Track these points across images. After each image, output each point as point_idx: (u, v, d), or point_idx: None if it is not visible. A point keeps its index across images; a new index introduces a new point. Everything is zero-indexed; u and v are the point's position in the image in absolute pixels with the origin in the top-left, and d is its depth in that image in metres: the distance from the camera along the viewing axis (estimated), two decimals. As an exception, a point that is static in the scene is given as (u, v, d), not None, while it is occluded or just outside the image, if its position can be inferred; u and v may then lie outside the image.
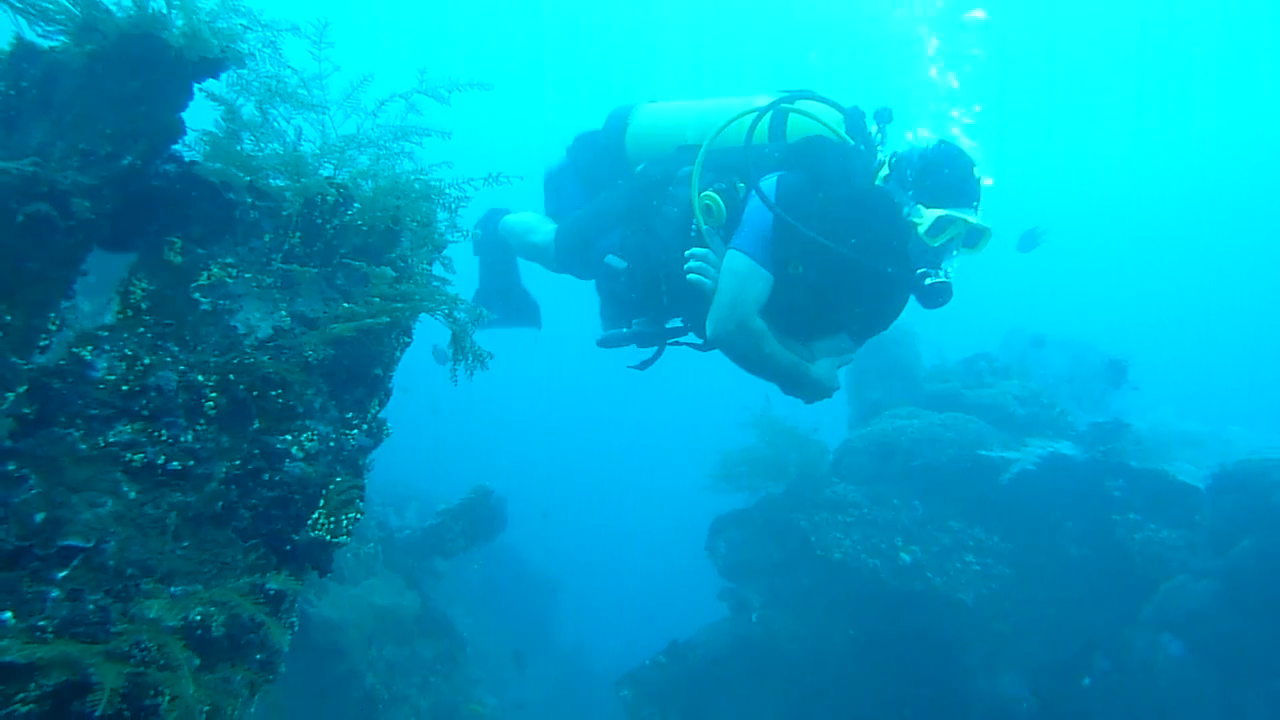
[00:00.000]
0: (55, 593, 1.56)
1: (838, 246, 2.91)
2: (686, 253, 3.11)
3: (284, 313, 1.86)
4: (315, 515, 1.75)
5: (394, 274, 1.84)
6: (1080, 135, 26.27)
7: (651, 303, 3.39)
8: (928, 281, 2.85)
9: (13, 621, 1.51)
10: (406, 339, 2.04)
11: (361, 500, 1.80)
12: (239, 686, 1.63)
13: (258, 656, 1.69)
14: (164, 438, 1.72)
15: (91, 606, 1.56)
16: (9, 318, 1.67)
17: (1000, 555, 5.12)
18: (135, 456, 1.70)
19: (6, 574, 1.55)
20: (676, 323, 3.47)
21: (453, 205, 1.99)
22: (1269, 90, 22.81)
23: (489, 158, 2.39)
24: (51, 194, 1.69)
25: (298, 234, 1.92)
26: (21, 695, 1.44)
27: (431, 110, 2.01)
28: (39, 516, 1.61)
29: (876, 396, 6.71)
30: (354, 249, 1.99)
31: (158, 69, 1.82)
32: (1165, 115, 25.00)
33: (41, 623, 1.52)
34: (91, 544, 1.61)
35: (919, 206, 2.91)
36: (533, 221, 3.93)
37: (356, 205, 1.96)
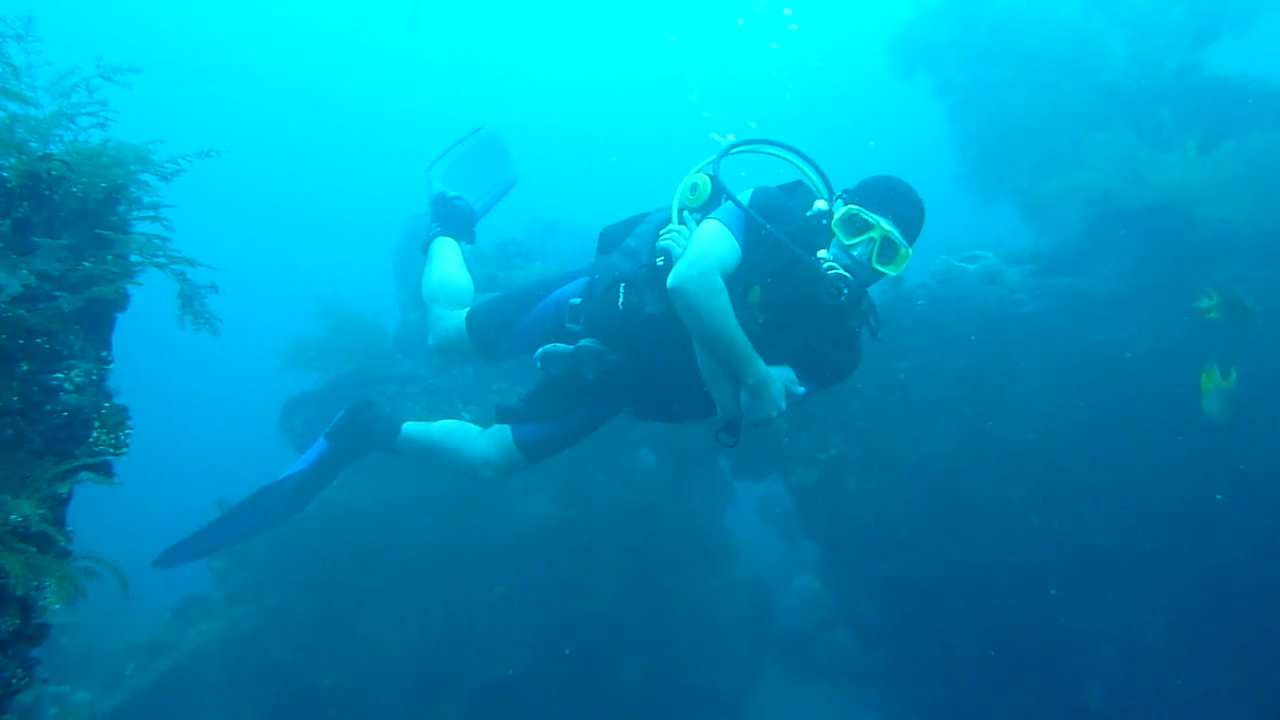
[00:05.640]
0: (-112, 513, 1.90)
1: (782, 236, 2.96)
2: (661, 230, 3.16)
3: (26, 271, 2.23)
4: (95, 435, 2.25)
5: (144, 238, 2.31)
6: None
7: (602, 326, 3.32)
8: (830, 273, 2.92)
9: None
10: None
11: (129, 420, 2.33)
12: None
13: (61, 544, 2.20)
14: (-58, 384, 2.06)
15: (-77, 521, 1.94)
16: None
17: (536, 407, 6.61)
18: (-80, 401, 2.03)
19: None
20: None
21: (169, 175, 2.46)
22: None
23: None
24: None
25: (25, 203, 2.26)
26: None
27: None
28: None
29: (426, 281, 7.65)
30: (73, 213, 2.37)
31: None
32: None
33: (-110, 537, 1.87)
34: (-91, 473, 1.95)
35: (839, 201, 3.06)
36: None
37: (77, 175, 2.34)
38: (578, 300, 3.48)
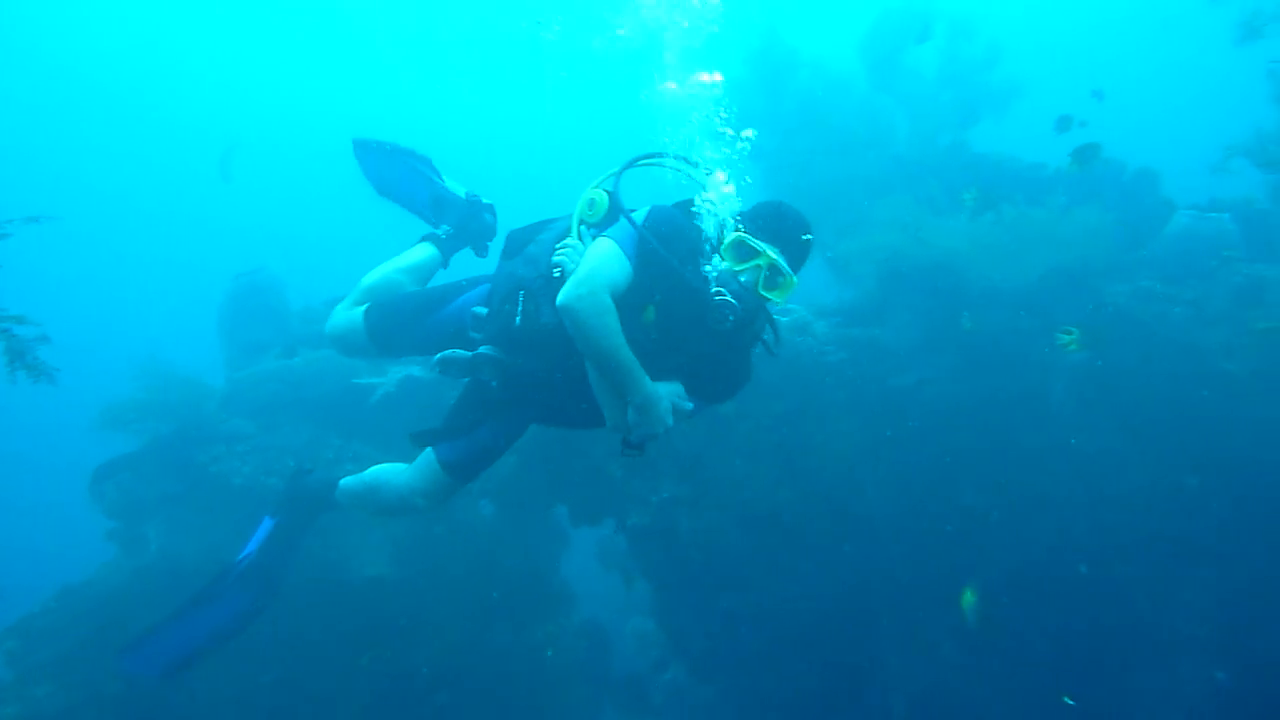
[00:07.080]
0: None
1: (672, 259, 2.95)
2: (557, 244, 3.16)
3: None
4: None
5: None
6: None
7: (501, 333, 3.26)
8: (717, 299, 2.95)
9: None
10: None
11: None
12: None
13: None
14: None
15: None
16: None
17: (372, 460, 6.57)
18: None
19: None
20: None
21: (-5, 241, 2.47)
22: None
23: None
24: None
25: None
26: None
27: None
28: None
29: (254, 338, 7.50)
30: (-109, 277, 2.35)
31: None
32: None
33: None
34: None
35: (730, 224, 3.06)
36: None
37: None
38: (483, 310, 3.44)
